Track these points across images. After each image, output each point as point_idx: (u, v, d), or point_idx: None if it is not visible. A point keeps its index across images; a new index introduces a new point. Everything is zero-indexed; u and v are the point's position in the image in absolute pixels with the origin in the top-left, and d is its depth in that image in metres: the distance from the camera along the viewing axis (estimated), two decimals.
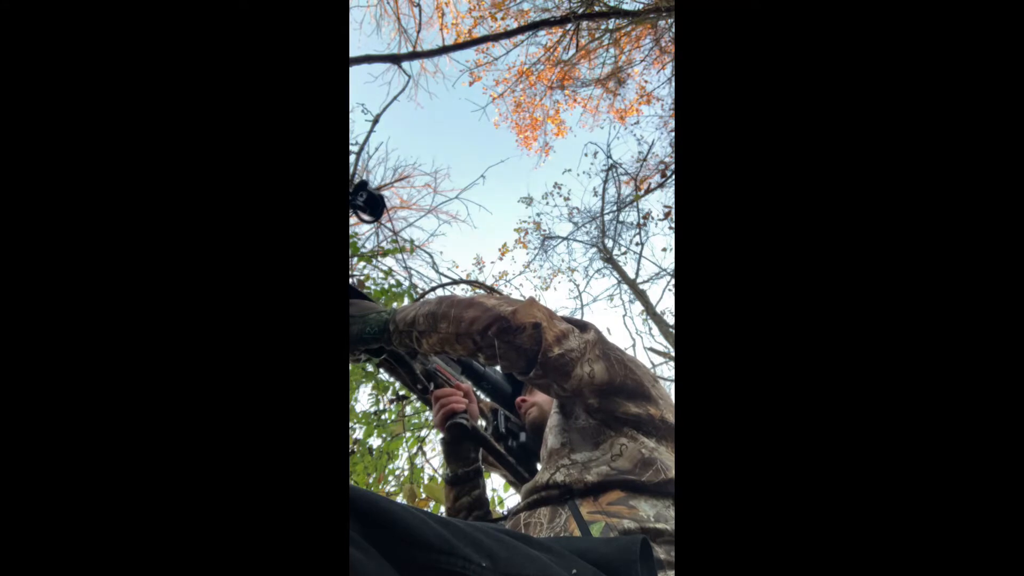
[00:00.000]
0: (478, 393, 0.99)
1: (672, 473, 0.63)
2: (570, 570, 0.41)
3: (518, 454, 0.94)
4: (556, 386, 0.69)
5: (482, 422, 1.00)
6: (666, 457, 0.65)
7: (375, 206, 0.96)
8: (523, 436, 0.95)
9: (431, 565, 0.36)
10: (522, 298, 0.75)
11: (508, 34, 4.97)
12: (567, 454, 0.69)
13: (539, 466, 0.90)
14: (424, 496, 2.01)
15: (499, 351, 0.68)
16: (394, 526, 0.36)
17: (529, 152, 6.67)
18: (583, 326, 0.73)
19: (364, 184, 0.95)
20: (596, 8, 4.92)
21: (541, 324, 0.67)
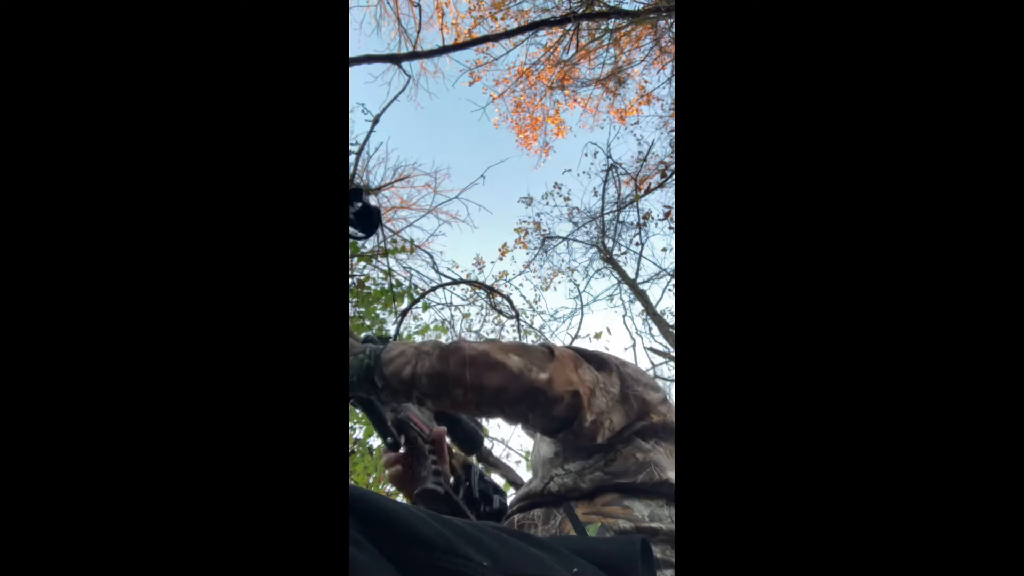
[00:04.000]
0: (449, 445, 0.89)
1: (667, 474, 0.63)
2: (571, 569, 0.41)
3: (491, 519, 0.83)
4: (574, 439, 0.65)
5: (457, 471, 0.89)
6: (662, 457, 0.65)
7: (368, 219, 0.76)
8: (497, 501, 0.87)
9: (432, 564, 0.36)
10: (542, 348, 0.65)
11: (508, 34, 4.96)
12: (560, 464, 0.68)
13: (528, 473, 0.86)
14: None
15: (531, 421, 0.64)
16: (395, 525, 0.36)
17: (529, 152, 6.67)
18: (602, 363, 0.68)
19: (359, 191, 0.74)
20: (596, 8, 4.92)
21: (579, 392, 0.62)
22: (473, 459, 0.87)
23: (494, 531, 0.42)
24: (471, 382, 0.60)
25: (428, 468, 0.74)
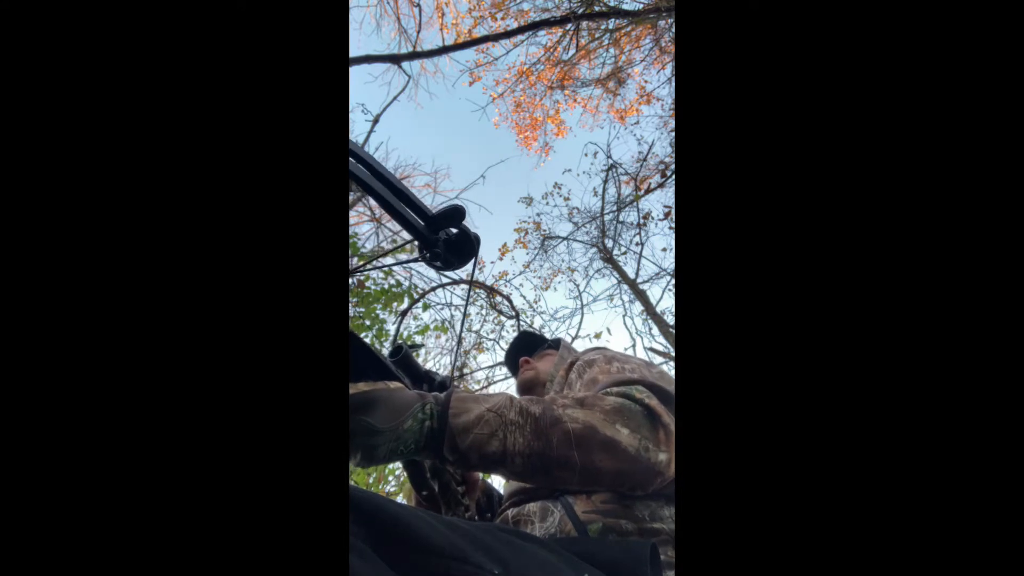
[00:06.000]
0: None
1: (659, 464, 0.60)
2: (582, 574, 0.41)
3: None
4: None
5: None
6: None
7: (462, 249, 0.60)
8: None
9: (442, 572, 0.34)
10: (640, 408, 0.57)
11: (508, 34, 4.97)
12: None
13: None
14: None
15: (606, 488, 0.58)
16: (401, 531, 0.35)
17: (529, 152, 6.68)
18: (666, 399, 0.62)
19: (461, 211, 0.58)
20: (596, 8, 4.92)
21: None
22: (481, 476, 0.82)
23: (504, 535, 0.42)
24: (581, 465, 0.51)
25: (462, 516, 0.69)
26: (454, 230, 0.60)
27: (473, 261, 0.61)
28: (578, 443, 0.51)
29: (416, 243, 0.61)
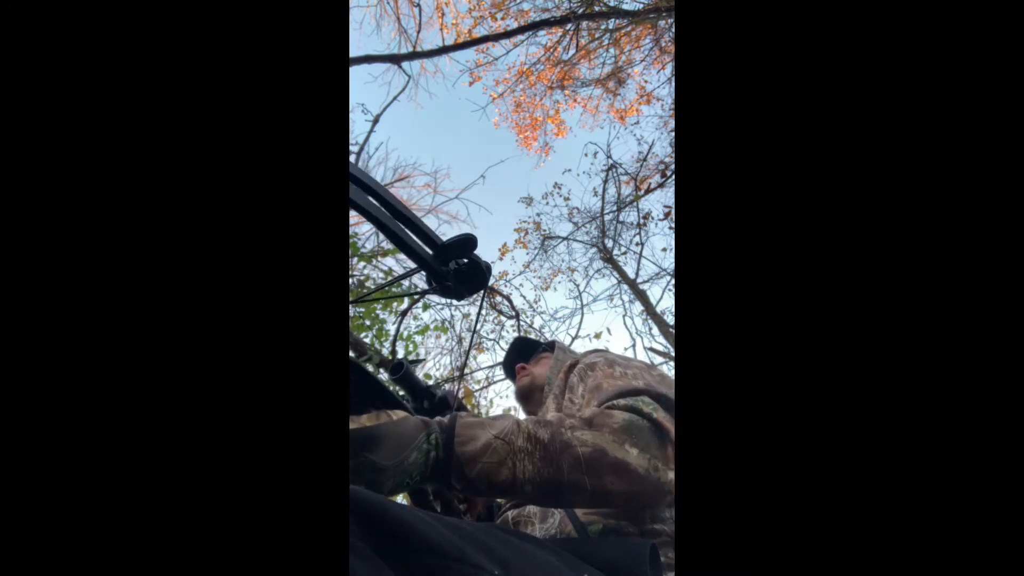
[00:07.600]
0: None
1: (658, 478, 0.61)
2: (581, 574, 0.41)
3: None
4: None
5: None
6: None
7: (472, 279, 0.57)
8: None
9: (441, 574, 0.34)
10: (647, 424, 0.56)
11: (508, 34, 4.97)
12: None
13: None
14: None
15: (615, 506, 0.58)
16: (399, 531, 0.35)
17: (529, 152, 6.67)
18: (671, 407, 0.62)
19: (473, 240, 0.55)
20: (596, 8, 4.92)
21: None
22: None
23: (504, 535, 0.42)
24: (591, 489, 0.51)
25: None
26: (464, 260, 0.58)
27: (486, 284, 0.60)
28: (588, 467, 0.51)
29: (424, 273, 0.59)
